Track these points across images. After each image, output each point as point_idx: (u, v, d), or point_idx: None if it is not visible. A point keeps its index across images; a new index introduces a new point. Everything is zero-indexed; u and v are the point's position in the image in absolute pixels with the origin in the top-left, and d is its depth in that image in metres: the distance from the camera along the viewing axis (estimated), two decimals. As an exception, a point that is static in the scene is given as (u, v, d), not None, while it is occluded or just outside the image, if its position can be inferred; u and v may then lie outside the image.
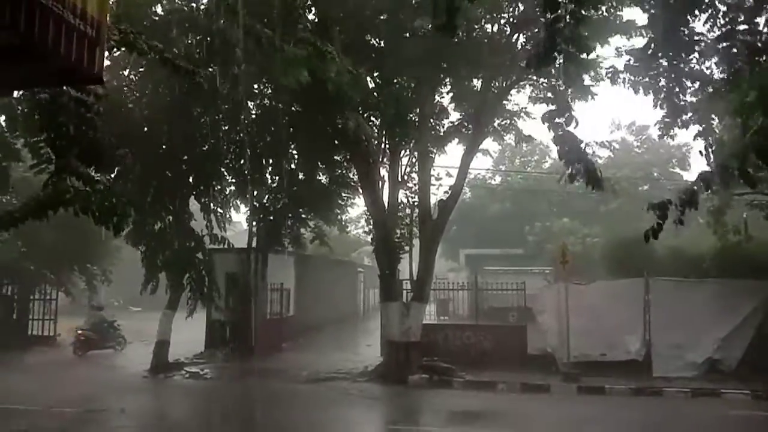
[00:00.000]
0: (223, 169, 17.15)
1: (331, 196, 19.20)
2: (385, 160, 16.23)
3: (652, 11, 11.41)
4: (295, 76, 10.58)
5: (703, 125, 13.32)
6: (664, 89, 12.69)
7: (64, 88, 7.56)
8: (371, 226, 16.70)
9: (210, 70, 13.21)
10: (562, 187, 25.93)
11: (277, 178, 18.62)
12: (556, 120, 7.88)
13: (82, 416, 10.86)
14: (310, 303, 23.76)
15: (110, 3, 4.15)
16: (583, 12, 6.32)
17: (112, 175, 12.67)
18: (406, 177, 16.39)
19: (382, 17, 14.75)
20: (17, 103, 10.37)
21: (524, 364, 14.61)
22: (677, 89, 12.80)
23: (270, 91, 16.43)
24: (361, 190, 17.11)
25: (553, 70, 8.62)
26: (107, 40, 3.73)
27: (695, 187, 10.30)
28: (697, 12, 11.27)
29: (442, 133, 16.73)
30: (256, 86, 16.03)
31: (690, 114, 13.44)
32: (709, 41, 11.93)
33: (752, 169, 10.52)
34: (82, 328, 18.91)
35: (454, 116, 16.91)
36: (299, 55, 10.53)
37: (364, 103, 14.49)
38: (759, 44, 11.21)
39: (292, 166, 18.59)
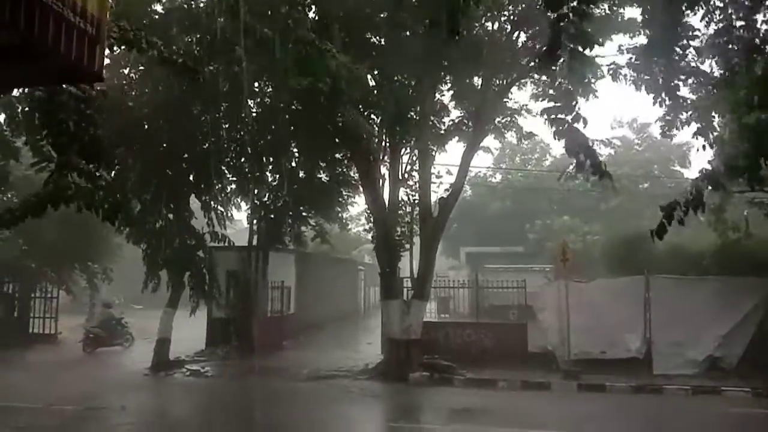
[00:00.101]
0: (223, 167, 17.14)
1: (332, 194, 19.20)
2: (385, 158, 16.23)
3: (649, 7, 11.40)
4: (302, 76, 10.59)
5: (703, 123, 13.31)
6: (664, 87, 12.69)
7: (64, 86, 7.57)
8: (372, 224, 16.70)
9: (210, 68, 13.21)
10: (563, 185, 26.00)
11: (277, 176, 18.63)
12: (559, 116, 7.86)
13: (82, 414, 10.89)
14: (311, 301, 23.79)
15: (110, 0, 4.15)
16: (585, 9, 6.32)
17: (113, 174, 12.66)
18: (406, 175, 16.40)
19: (382, 15, 14.73)
20: (17, 101, 10.38)
21: (525, 362, 14.63)
22: (675, 86, 12.81)
23: (270, 89, 16.42)
24: (361, 188, 17.11)
25: (555, 67, 8.61)
26: (107, 37, 3.72)
27: (700, 187, 10.28)
28: (693, 9, 11.26)
29: (442, 131, 16.74)
30: (256, 84, 16.01)
31: (690, 112, 13.45)
32: (705, 38, 11.94)
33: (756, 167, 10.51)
34: (91, 325, 19.18)
35: (455, 114, 16.96)
36: (305, 54, 10.54)
37: (365, 101, 14.49)
38: (757, 41, 11.20)
39: (293, 164, 18.59)
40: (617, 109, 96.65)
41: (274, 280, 19.30)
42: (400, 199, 16.30)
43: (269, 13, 12.00)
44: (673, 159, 39.41)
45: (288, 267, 21.65)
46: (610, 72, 13.51)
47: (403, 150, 16.37)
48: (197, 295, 16.16)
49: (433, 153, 16.43)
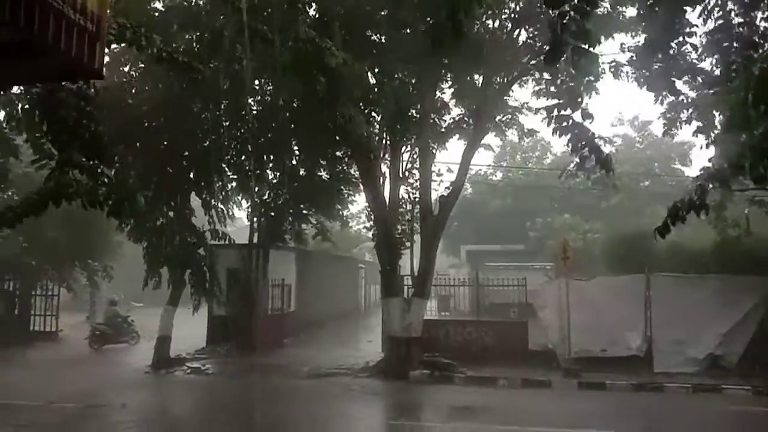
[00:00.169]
0: (224, 165, 17.14)
1: (332, 192, 19.21)
2: (386, 156, 16.24)
3: (648, 2, 11.36)
4: (301, 73, 10.58)
5: (704, 121, 13.30)
6: (664, 83, 12.68)
7: (64, 83, 7.56)
8: (372, 222, 16.70)
9: (211, 65, 13.20)
10: (564, 183, 26.01)
11: (278, 173, 18.64)
12: (563, 112, 7.84)
13: (82, 411, 10.90)
14: (312, 299, 23.79)
15: (110, -2, 4.14)
16: (586, 7, 6.30)
17: (113, 171, 12.66)
18: (407, 173, 16.41)
19: (382, 13, 14.71)
20: (17, 98, 10.37)
21: (525, 360, 14.63)
22: (674, 83, 12.80)
23: (271, 87, 16.41)
24: (362, 186, 17.11)
25: (558, 65, 8.59)
26: (107, 35, 3.71)
27: (704, 187, 10.26)
28: (692, 5, 11.24)
29: (443, 129, 16.72)
30: (257, 82, 16.01)
31: (690, 110, 13.43)
32: (704, 35, 11.93)
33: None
34: (97, 322, 19.46)
35: (455, 112, 16.94)
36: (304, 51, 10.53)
37: (365, 99, 14.47)
38: (756, 38, 11.18)
39: (293, 161, 18.59)
40: (618, 107, 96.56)
41: (274, 278, 19.30)
42: (400, 197, 16.32)
43: (269, 10, 11.98)
44: (674, 157, 39.36)
45: (288, 265, 21.65)
46: (612, 70, 13.51)
47: (404, 148, 16.37)
48: (198, 292, 16.17)
49: (434, 151, 16.44)
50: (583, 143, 7.96)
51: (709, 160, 14.14)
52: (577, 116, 7.71)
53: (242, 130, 16.66)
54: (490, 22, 15.24)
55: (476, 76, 15.93)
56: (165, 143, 15.67)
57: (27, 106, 9.52)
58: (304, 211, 19.63)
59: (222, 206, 17.73)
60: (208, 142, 16.31)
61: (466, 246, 35.11)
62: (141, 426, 10.27)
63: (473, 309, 19.74)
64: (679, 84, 13.23)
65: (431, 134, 15.92)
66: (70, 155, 8.29)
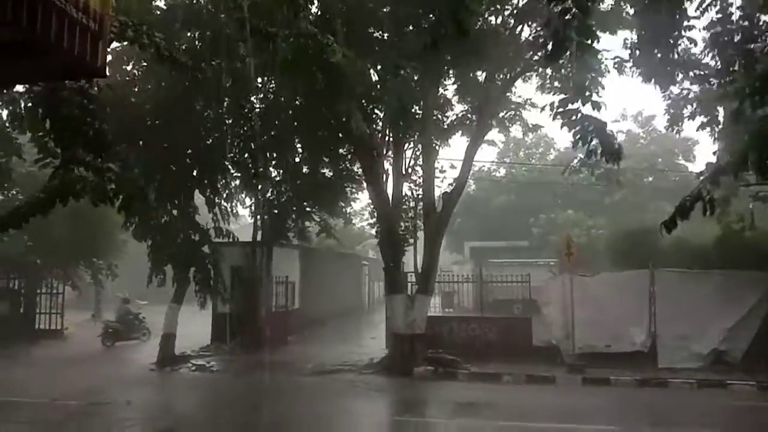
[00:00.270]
0: (227, 163, 17.15)
1: (336, 190, 19.21)
2: (389, 153, 16.22)
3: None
4: (302, 69, 10.57)
5: (708, 116, 13.26)
6: (665, 75, 12.66)
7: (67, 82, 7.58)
8: (375, 219, 16.69)
9: (213, 63, 13.21)
10: (567, 179, 25.99)
11: (281, 171, 18.65)
12: (570, 106, 7.79)
13: (87, 409, 10.93)
14: (315, 296, 23.83)
15: (113, -4, 4.14)
16: (587, 3, 6.30)
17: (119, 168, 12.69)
18: (410, 170, 16.40)
19: (384, 10, 14.69)
20: (19, 97, 10.39)
21: (529, 356, 14.63)
22: (675, 76, 12.77)
23: (273, 84, 16.41)
24: (365, 184, 17.10)
25: (561, 60, 8.54)
26: (109, 33, 3.72)
27: (711, 187, 10.23)
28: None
29: (446, 126, 16.69)
30: (259, 80, 16.01)
31: (695, 105, 13.40)
32: (705, 30, 11.92)
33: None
34: (110, 320, 19.69)
35: (458, 108, 16.92)
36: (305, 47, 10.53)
37: (368, 96, 14.46)
38: (755, 31, 11.14)
39: (296, 159, 18.60)
40: (622, 103, 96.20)
41: (278, 276, 19.34)
42: (403, 194, 16.31)
43: (271, 8, 11.96)
44: (678, 152, 39.24)
45: (292, 262, 21.69)
46: (616, 66, 13.47)
47: (407, 145, 16.36)
48: (202, 290, 16.20)
49: (437, 147, 16.41)
50: (594, 135, 7.89)
51: (714, 154, 14.13)
52: (585, 109, 7.65)
53: (245, 128, 16.66)
54: (492, 18, 15.20)
55: (479, 73, 15.90)
56: (168, 141, 15.68)
57: (30, 105, 9.54)
58: (308, 209, 19.64)
59: (226, 204, 17.76)
60: (211, 140, 16.33)
61: (469, 242, 35.11)
62: (146, 423, 10.32)
63: (477, 305, 19.77)
64: (680, 79, 13.21)
65: (434, 131, 15.91)
66: (74, 153, 8.31)
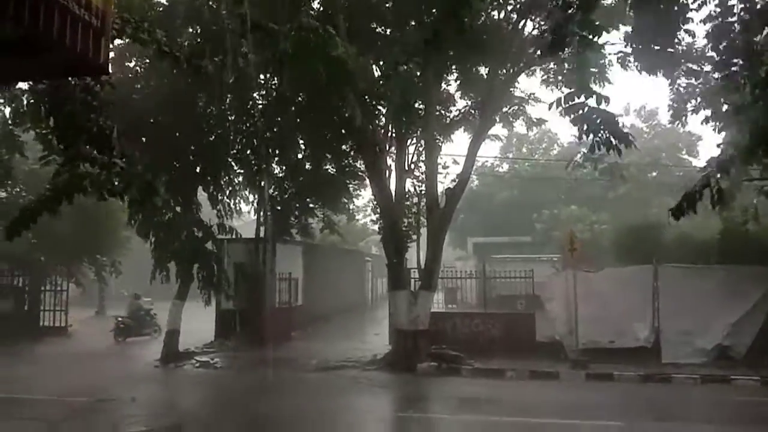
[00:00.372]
0: (230, 160, 17.16)
1: (338, 186, 19.20)
2: (391, 149, 16.19)
3: None
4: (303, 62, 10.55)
5: (711, 110, 13.21)
6: (665, 66, 12.62)
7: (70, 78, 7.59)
8: (378, 215, 16.68)
9: (215, 60, 13.19)
10: (570, 174, 25.89)
11: (284, 168, 18.66)
12: (576, 101, 7.75)
13: (92, 406, 10.96)
14: (319, 292, 23.85)
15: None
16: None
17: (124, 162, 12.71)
18: (413, 165, 16.37)
19: (387, 5, 14.66)
20: (22, 94, 10.40)
21: (533, 352, 14.62)
22: (678, 68, 12.73)
23: (276, 81, 16.39)
24: (368, 180, 17.09)
25: (563, 54, 8.51)
26: (111, 30, 3.71)
27: (718, 178, 10.19)
28: None
29: (448, 121, 16.66)
30: (262, 76, 16.00)
31: (699, 100, 13.35)
32: (700, 21, 11.86)
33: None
34: (122, 316, 19.92)
35: (461, 104, 16.89)
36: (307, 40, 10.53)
37: (370, 92, 14.43)
38: (756, 22, 11.09)
39: (299, 156, 18.59)
40: (625, 97, 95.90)
41: (281, 272, 19.35)
42: (406, 190, 16.28)
43: (272, 3, 11.96)
44: (682, 147, 39.14)
45: (295, 259, 21.71)
46: (619, 60, 13.43)
47: (410, 141, 16.33)
48: (206, 287, 16.23)
49: (440, 143, 16.39)
50: (602, 128, 7.84)
51: (718, 146, 14.08)
52: (591, 101, 7.60)
53: (248, 125, 16.66)
54: (495, 13, 15.16)
55: (482, 68, 15.86)
56: (171, 138, 15.69)
57: (32, 102, 9.56)
58: (311, 205, 19.65)
59: (229, 200, 17.77)
60: (214, 137, 16.33)
61: (472, 238, 35.09)
62: (150, 420, 10.34)
63: (480, 301, 19.75)
64: (682, 72, 13.16)
65: (437, 126, 15.88)
66: (78, 149, 8.32)
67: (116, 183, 8.45)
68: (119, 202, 10.45)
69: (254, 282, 18.23)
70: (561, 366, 13.68)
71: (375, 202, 17.19)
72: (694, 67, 13.69)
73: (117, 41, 10.27)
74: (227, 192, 17.74)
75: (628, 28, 13.92)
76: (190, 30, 14.65)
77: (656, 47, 12.28)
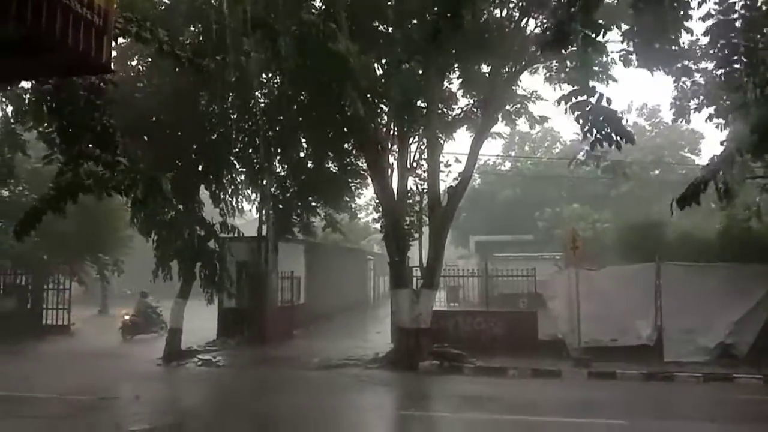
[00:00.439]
0: (232, 158, 17.17)
1: (340, 184, 19.20)
2: (393, 147, 16.19)
3: None
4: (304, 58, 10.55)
5: (714, 108, 13.18)
6: (668, 67, 12.60)
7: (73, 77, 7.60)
8: (380, 214, 16.69)
9: (217, 58, 13.20)
10: (572, 172, 25.90)
11: (286, 166, 18.66)
12: (579, 98, 7.72)
13: (95, 404, 10.99)
14: (321, 291, 23.87)
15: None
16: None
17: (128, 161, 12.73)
18: (415, 164, 16.37)
19: (389, 3, 14.65)
20: (24, 93, 10.41)
21: (535, 350, 14.62)
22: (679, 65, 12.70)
23: (278, 79, 16.39)
24: (370, 178, 17.09)
25: (565, 52, 8.48)
26: (114, 29, 3.72)
27: (723, 165, 10.16)
28: None
29: (450, 120, 16.65)
30: (264, 75, 15.99)
31: (702, 97, 13.32)
32: (700, 19, 11.83)
33: None
34: (130, 313, 20.15)
35: (463, 102, 16.87)
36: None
37: (372, 90, 14.42)
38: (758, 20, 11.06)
39: (301, 154, 18.59)
40: (628, 96, 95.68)
41: (283, 271, 19.38)
42: (408, 188, 16.29)
43: (275, 2, 11.96)
44: (684, 145, 39.08)
45: (297, 257, 21.73)
46: (621, 58, 13.40)
47: (412, 139, 16.33)
48: (208, 285, 16.25)
49: (442, 141, 16.38)
50: (605, 124, 7.82)
51: (721, 144, 14.05)
52: (593, 99, 7.60)
53: (250, 123, 16.66)
54: (497, 11, 15.14)
55: (484, 66, 15.84)
56: (173, 136, 15.70)
57: (34, 100, 9.57)
58: (313, 204, 19.66)
59: (231, 199, 17.78)
60: (216, 135, 16.34)
61: (474, 237, 35.06)
62: (153, 418, 10.36)
63: (482, 300, 19.74)
64: (682, 67, 13.14)
65: (439, 125, 15.88)
66: (81, 148, 8.34)
67: (122, 181, 8.45)
68: (121, 200, 10.47)
69: (256, 280, 18.25)
70: (563, 364, 13.67)
71: (377, 201, 17.19)
72: (692, 65, 13.67)
73: (119, 40, 10.27)
74: (229, 190, 17.74)
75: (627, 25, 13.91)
76: (192, 28, 14.65)
77: (656, 44, 12.24)
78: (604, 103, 7.57)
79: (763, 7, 11.36)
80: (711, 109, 14.00)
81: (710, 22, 12.01)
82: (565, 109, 7.73)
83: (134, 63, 15.42)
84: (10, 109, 12.59)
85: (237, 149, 17.03)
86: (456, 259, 34.17)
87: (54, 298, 21.73)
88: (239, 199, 18.76)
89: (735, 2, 11.41)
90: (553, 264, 19.94)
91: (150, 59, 14.81)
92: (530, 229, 33.11)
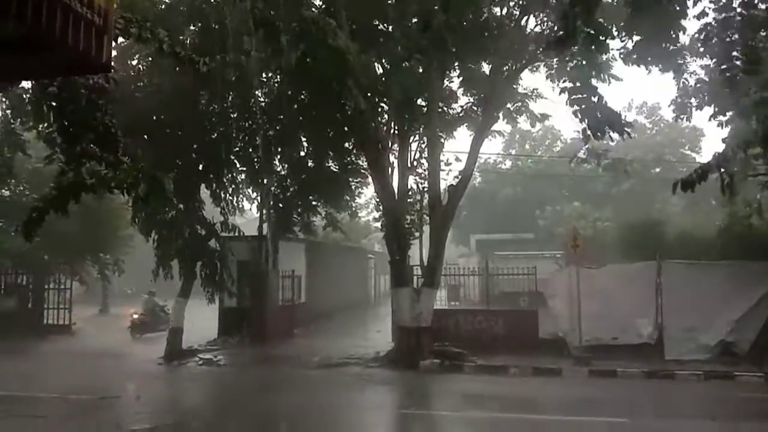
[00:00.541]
0: (232, 157, 17.16)
1: (341, 183, 19.20)
2: (394, 146, 16.19)
3: None
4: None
5: (715, 106, 13.17)
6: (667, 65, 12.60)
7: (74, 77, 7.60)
8: (381, 213, 16.69)
9: (218, 57, 13.20)
10: (573, 170, 25.88)
11: (286, 165, 18.65)
12: (580, 96, 7.75)
13: (96, 403, 11.00)
14: (321, 290, 23.87)
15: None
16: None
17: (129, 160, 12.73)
18: (415, 162, 16.37)
19: (389, 2, 14.63)
20: (24, 92, 10.42)
21: (536, 349, 14.62)
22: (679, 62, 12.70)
23: (278, 78, 16.38)
24: (370, 177, 17.08)
25: (568, 50, 8.49)
26: (114, 28, 3.71)
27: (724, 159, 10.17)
28: None
29: (451, 118, 16.64)
30: (264, 74, 15.98)
31: (704, 95, 13.31)
32: (695, 16, 11.83)
33: None
34: (138, 312, 20.33)
35: (464, 100, 16.86)
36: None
37: (373, 89, 14.41)
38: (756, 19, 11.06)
39: (302, 153, 18.59)
40: (629, 94, 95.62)
41: (284, 270, 19.38)
42: (409, 187, 16.28)
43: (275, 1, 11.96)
44: (685, 143, 39.08)
45: (298, 256, 21.73)
46: (621, 56, 13.39)
47: (412, 138, 16.32)
48: (209, 285, 16.26)
49: (442, 140, 16.37)
50: (602, 120, 7.85)
51: (723, 141, 14.06)
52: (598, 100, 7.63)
53: (250, 122, 16.66)
54: (497, 9, 15.12)
55: (484, 65, 15.84)
56: (173, 136, 15.70)
57: (35, 100, 9.58)
58: (313, 203, 19.66)
59: (231, 198, 17.77)
60: (216, 134, 16.33)
61: (475, 235, 35.06)
62: (154, 417, 10.37)
63: (483, 298, 19.75)
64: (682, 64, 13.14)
65: (439, 123, 15.86)
66: (83, 147, 8.34)
67: (124, 180, 8.45)
68: (122, 200, 10.49)
69: (257, 279, 18.26)
70: (564, 363, 13.67)
71: (377, 200, 17.18)
72: (693, 60, 13.68)
73: (119, 40, 10.27)
74: (230, 189, 17.73)
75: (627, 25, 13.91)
76: (192, 27, 14.64)
77: (655, 42, 12.24)
78: (598, 99, 7.62)
79: (762, 6, 11.35)
80: (713, 107, 14.00)
81: (705, 20, 12.03)
82: (566, 101, 7.75)
83: (134, 62, 15.41)
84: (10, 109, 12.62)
85: (237, 148, 17.02)
86: (457, 257, 34.18)
87: (55, 297, 21.73)
88: (240, 198, 18.78)
89: (733, 0, 11.42)
90: (553, 262, 19.95)
91: (150, 58, 14.80)
92: (531, 228, 33.10)
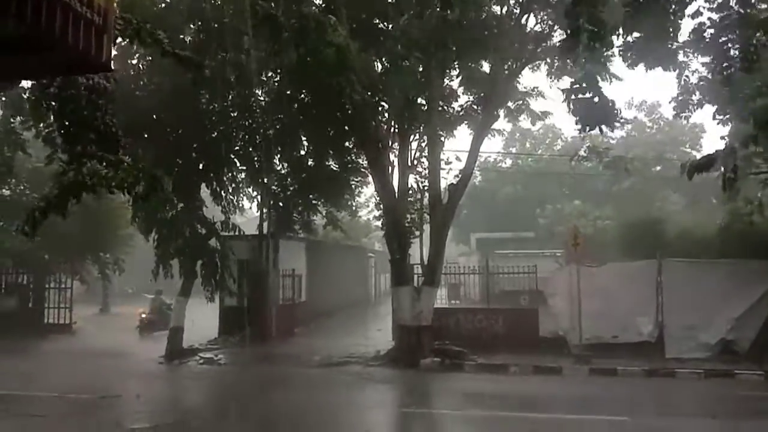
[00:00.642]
0: (233, 156, 17.16)
1: (341, 182, 19.19)
2: (394, 144, 16.18)
3: None
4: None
5: (715, 104, 13.17)
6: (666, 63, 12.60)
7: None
8: (381, 212, 16.69)
9: (218, 56, 13.21)
10: (574, 168, 25.85)
11: (286, 164, 18.65)
12: (580, 95, 7.75)
13: (96, 402, 11.01)
14: (322, 288, 23.88)
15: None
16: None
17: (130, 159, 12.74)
18: (415, 161, 16.35)
19: (389, 0, 14.62)
20: (23, 92, 10.42)
21: (536, 347, 14.63)
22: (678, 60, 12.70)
23: (279, 77, 16.38)
24: (370, 176, 17.08)
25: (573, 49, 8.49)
26: (114, 28, 3.71)
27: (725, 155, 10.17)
28: None
29: (451, 117, 16.63)
30: (264, 73, 15.98)
31: (705, 94, 13.31)
32: (692, 15, 11.82)
33: None
34: (146, 312, 20.47)
35: (464, 99, 16.84)
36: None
37: (373, 87, 14.41)
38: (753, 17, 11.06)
39: (302, 152, 18.59)
40: (629, 93, 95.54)
41: (285, 269, 19.39)
42: (409, 185, 16.27)
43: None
44: (686, 140, 39.05)
45: (299, 255, 21.73)
46: (621, 54, 13.38)
47: (412, 136, 16.31)
48: (209, 283, 16.26)
49: (442, 139, 16.36)
50: (595, 110, 7.84)
51: (722, 139, 14.07)
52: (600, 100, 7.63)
53: (250, 121, 16.65)
54: (497, 8, 15.11)
55: (484, 63, 15.83)
56: (174, 135, 15.70)
57: (35, 99, 9.57)
58: (313, 201, 19.65)
59: (232, 197, 17.78)
60: (216, 134, 16.33)
61: (475, 234, 35.04)
62: (155, 416, 10.38)
63: (483, 297, 19.74)
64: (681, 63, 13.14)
65: (439, 122, 15.85)
66: (83, 147, 8.34)
67: (125, 179, 8.45)
68: (122, 199, 10.49)
69: (257, 278, 18.26)
70: (564, 361, 13.68)
71: (378, 198, 17.17)
72: (695, 57, 13.67)
73: (119, 40, 10.27)
74: (230, 189, 17.74)
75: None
76: (192, 26, 14.62)
77: (654, 40, 12.25)
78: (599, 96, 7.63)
79: (761, 6, 11.34)
80: (714, 105, 14.00)
81: (699, 19, 12.03)
82: (564, 99, 7.75)
83: (134, 62, 15.40)
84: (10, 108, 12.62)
85: (237, 147, 17.02)
86: (457, 256, 34.17)
87: (55, 296, 21.74)
88: (240, 197, 18.80)
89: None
90: (554, 261, 19.95)
91: (150, 58, 14.79)
92: (531, 226, 33.10)
